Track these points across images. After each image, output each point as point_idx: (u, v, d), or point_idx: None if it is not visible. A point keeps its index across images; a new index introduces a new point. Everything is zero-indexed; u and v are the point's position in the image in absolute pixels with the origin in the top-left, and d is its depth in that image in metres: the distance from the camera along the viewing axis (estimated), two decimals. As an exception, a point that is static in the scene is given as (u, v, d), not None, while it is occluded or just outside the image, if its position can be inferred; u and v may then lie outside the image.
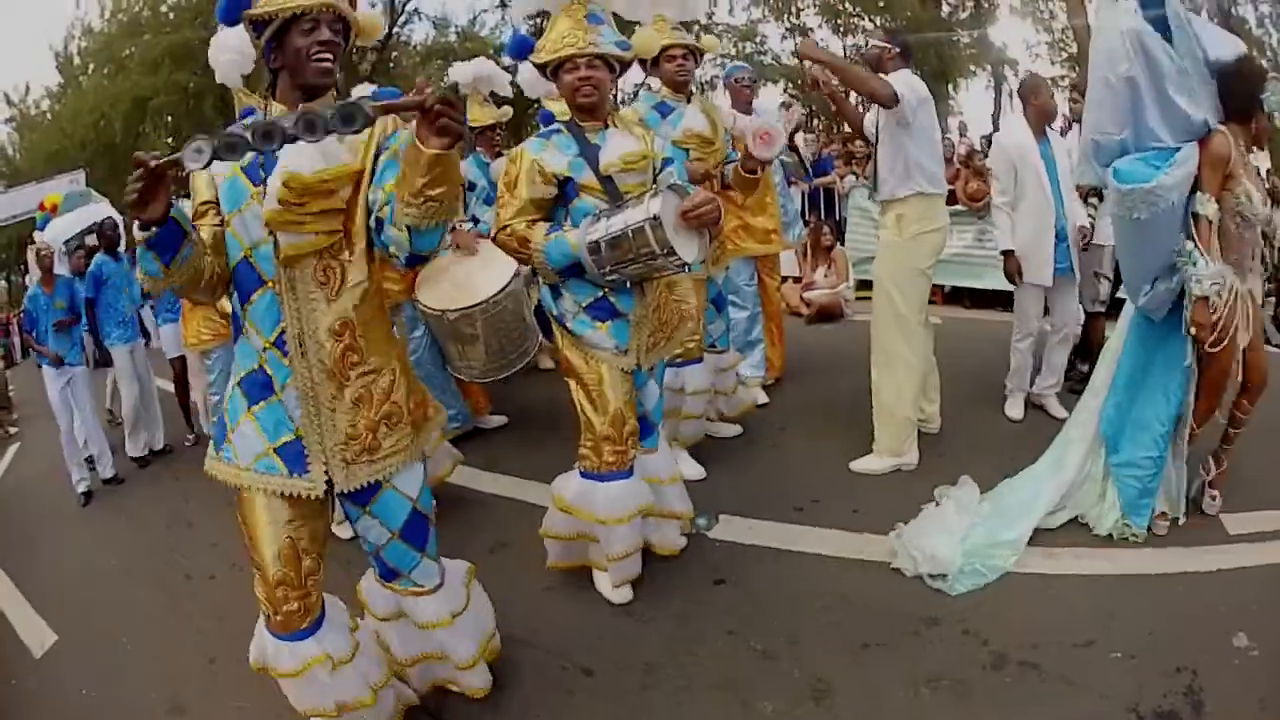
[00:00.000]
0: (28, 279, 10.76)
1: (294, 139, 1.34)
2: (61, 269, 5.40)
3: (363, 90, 3.65)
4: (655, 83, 3.40)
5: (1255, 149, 2.65)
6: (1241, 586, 2.31)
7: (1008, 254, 3.71)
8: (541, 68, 2.37)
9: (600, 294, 2.35)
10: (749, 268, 4.03)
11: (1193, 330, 2.48)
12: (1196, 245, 2.45)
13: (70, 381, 4.60)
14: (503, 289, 3.25)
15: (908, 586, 2.46)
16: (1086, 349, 4.58)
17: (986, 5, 18.72)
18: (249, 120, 1.57)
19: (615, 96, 3.83)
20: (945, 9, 16.92)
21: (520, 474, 3.57)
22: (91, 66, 16.57)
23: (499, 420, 4.28)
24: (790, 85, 20.86)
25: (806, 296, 6.21)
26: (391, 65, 17.46)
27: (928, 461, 3.28)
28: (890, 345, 3.24)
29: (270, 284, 1.59)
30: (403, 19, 17.50)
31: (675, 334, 2.57)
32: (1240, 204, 2.48)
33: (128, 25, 16.03)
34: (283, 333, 1.60)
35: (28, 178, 13.81)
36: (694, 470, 3.23)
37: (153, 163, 1.35)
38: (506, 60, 3.43)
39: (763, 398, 4.10)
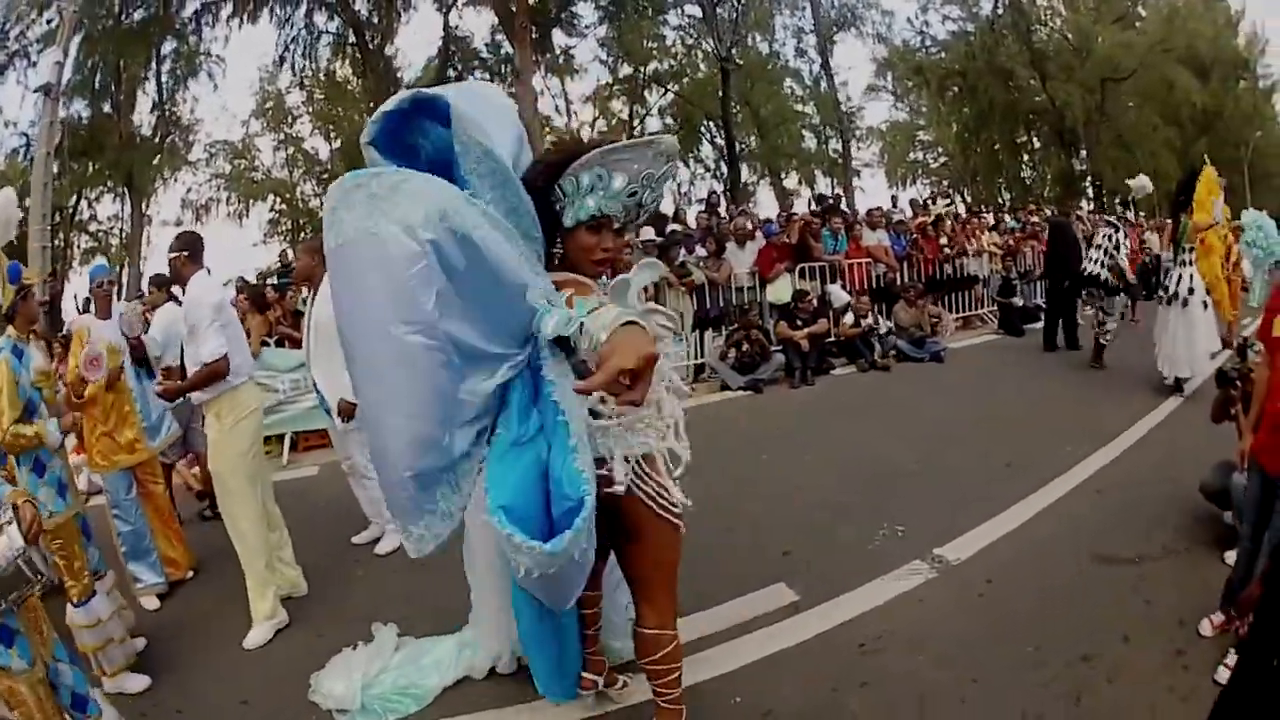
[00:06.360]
0: None
1: None
2: None
3: None
4: None
5: None
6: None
7: None
8: None
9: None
10: (126, 480, 3.90)
11: None
12: None
13: None
14: None
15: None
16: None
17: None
18: None
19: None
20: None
21: None
22: None
23: None
24: (277, 199, 21.14)
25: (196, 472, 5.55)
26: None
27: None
28: (237, 524, 3.52)
29: None
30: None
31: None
32: None
33: None
34: None
35: None
36: (138, 683, 3.12)
37: None
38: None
39: (155, 603, 3.91)
